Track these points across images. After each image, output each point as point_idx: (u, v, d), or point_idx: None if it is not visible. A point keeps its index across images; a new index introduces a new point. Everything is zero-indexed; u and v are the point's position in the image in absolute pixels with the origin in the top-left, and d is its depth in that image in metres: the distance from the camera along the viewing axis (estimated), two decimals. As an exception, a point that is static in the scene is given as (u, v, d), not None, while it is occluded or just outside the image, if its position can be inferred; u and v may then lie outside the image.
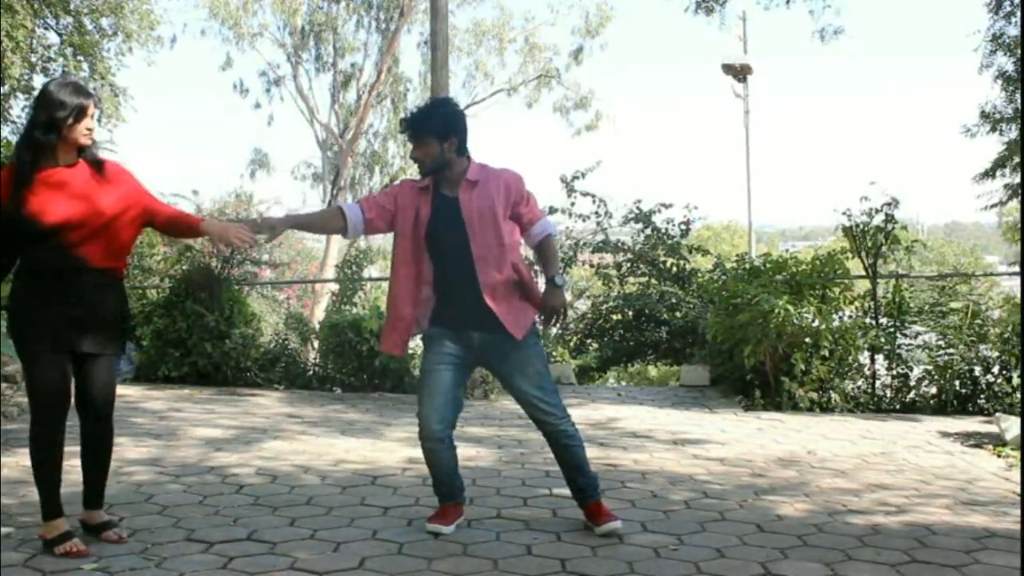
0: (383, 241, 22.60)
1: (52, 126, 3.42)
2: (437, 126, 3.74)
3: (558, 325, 4.01)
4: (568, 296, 12.41)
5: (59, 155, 3.49)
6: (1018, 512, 4.29)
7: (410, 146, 3.84)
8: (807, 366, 7.51)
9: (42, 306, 3.46)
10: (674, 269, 11.19)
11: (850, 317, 8.03)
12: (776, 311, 7.29)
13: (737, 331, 7.65)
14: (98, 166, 3.57)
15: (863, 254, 8.22)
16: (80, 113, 3.45)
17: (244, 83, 24.59)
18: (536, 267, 5.54)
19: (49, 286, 3.47)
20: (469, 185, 3.76)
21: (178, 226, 3.85)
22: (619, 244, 11.53)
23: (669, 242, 11.27)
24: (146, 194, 3.72)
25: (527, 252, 4.69)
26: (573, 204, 11.50)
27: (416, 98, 23.90)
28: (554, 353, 9.79)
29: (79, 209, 3.45)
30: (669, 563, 3.51)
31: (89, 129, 3.50)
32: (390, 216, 3.84)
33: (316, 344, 9.39)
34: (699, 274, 10.91)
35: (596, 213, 11.54)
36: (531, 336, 3.84)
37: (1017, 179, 13.94)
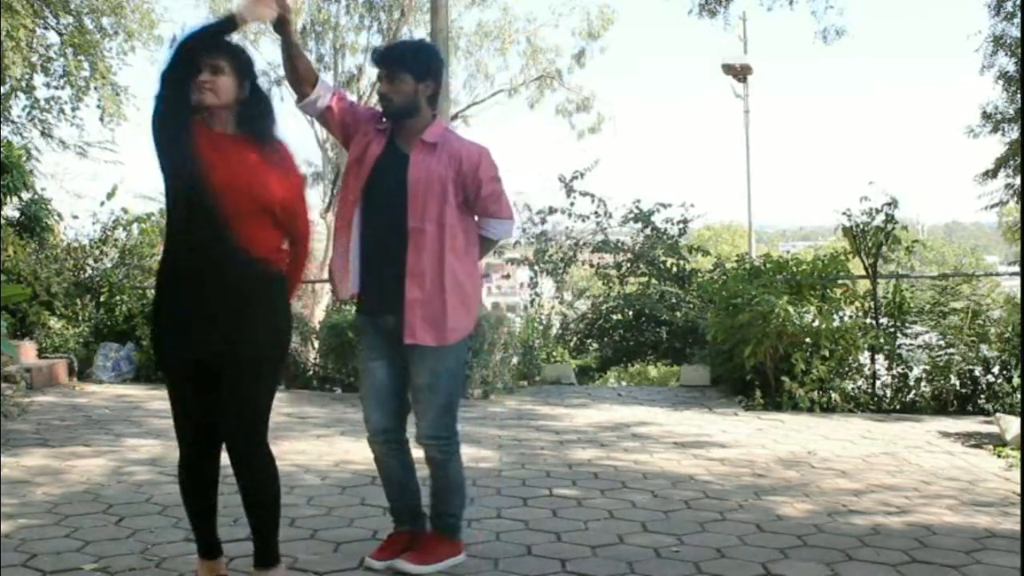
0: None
1: None
2: (417, 63, 3.25)
3: None
4: (568, 296, 12.47)
5: None
6: (1018, 512, 4.29)
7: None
8: (807, 366, 7.50)
9: None
10: (674, 269, 11.19)
11: (850, 317, 8.02)
12: (776, 311, 7.29)
13: (737, 331, 7.65)
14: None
15: (863, 254, 8.22)
16: None
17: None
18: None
19: None
20: (425, 147, 3.24)
21: None
22: (619, 244, 11.54)
23: (668, 241, 11.29)
24: None
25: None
26: (572, 204, 11.51)
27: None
28: (554, 353, 9.79)
29: None
30: (669, 563, 3.50)
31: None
32: (347, 127, 3.37)
33: (316, 344, 9.39)
34: (699, 274, 10.91)
35: (596, 213, 11.55)
36: (455, 346, 3.26)
37: (1018, 179, 13.95)
